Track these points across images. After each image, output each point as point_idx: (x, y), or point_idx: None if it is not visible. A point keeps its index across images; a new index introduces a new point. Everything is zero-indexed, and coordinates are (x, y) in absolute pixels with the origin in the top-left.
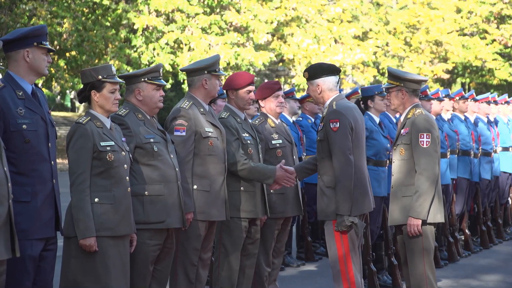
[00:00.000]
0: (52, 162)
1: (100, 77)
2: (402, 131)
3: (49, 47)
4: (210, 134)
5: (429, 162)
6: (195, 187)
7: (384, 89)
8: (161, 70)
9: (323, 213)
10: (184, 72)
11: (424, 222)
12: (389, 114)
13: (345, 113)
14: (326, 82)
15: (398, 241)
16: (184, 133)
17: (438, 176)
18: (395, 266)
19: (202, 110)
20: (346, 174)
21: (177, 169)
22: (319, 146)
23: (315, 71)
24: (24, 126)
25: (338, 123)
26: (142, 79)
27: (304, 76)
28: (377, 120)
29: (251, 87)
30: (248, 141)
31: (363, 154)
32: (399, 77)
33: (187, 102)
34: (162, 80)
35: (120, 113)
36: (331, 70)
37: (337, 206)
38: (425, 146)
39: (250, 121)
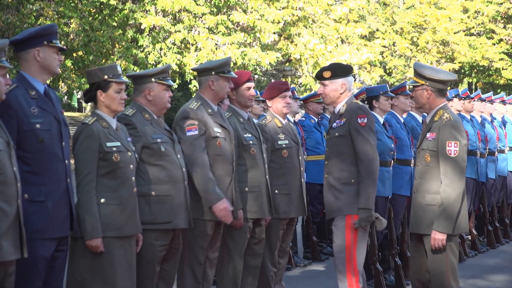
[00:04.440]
0: (66, 161)
1: (106, 77)
2: (428, 135)
3: (60, 45)
4: (218, 134)
5: (457, 172)
6: None
7: (410, 86)
8: (169, 71)
9: (337, 210)
10: (192, 72)
11: (450, 235)
12: (396, 113)
13: (369, 111)
14: (348, 82)
15: (412, 247)
16: (197, 132)
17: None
18: (399, 266)
19: (210, 111)
20: (375, 168)
21: (184, 169)
22: (335, 142)
23: (340, 70)
24: (37, 126)
25: (366, 118)
26: (153, 79)
27: (324, 75)
28: (381, 120)
29: (250, 84)
30: (250, 142)
31: None
32: (424, 75)
33: (195, 103)
34: (170, 80)
35: (127, 113)
36: (350, 71)
37: (363, 201)
38: (453, 155)
39: (256, 121)
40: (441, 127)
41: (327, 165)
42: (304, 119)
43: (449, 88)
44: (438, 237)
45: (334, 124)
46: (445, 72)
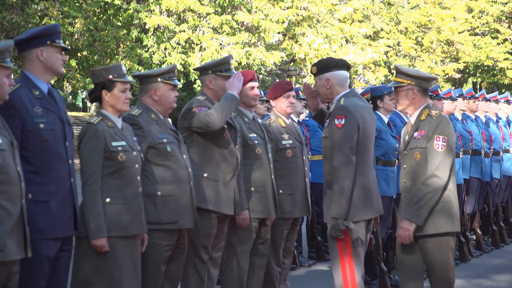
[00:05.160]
0: (70, 161)
1: (110, 76)
2: (416, 134)
3: (63, 45)
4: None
5: (443, 166)
6: (205, 175)
7: (392, 88)
8: (175, 71)
9: (326, 217)
10: (197, 72)
11: (443, 234)
12: (401, 113)
13: (353, 111)
14: (336, 77)
15: (400, 252)
16: (206, 108)
17: (453, 184)
18: None
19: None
20: (345, 175)
21: (189, 169)
22: (323, 144)
23: (325, 65)
24: (41, 126)
25: (343, 119)
26: (159, 79)
27: (311, 71)
28: (386, 120)
29: (253, 83)
30: (255, 141)
31: (368, 158)
32: (410, 74)
33: (201, 97)
34: (176, 80)
35: (133, 113)
36: (342, 64)
37: (332, 208)
38: (440, 149)
39: (260, 121)
40: (431, 122)
41: (323, 165)
42: (308, 118)
43: (453, 88)
44: (406, 226)
45: (325, 124)
46: (425, 72)
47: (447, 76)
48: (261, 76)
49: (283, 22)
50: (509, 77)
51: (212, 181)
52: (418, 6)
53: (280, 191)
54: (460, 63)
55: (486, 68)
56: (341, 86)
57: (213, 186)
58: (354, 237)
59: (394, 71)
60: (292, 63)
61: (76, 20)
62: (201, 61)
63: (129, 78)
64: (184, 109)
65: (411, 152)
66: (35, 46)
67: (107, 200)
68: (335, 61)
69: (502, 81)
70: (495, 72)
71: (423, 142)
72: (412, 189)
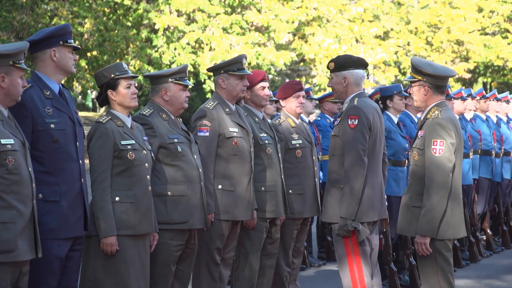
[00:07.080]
0: (80, 161)
1: (112, 75)
2: (419, 133)
3: (75, 45)
4: (234, 134)
5: (441, 173)
6: (219, 186)
7: (409, 83)
8: (187, 71)
9: (327, 215)
10: (207, 72)
11: (436, 240)
12: (411, 113)
13: (366, 112)
14: (354, 76)
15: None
16: (207, 133)
17: (456, 187)
18: (413, 266)
19: (227, 110)
20: (356, 175)
21: (200, 169)
22: (331, 142)
23: (343, 62)
24: (52, 126)
25: (357, 120)
26: (170, 80)
27: (329, 66)
28: (396, 120)
29: (265, 83)
30: (266, 141)
31: (377, 160)
32: (421, 71)
33: (212, 103)
34: (188, 80)
35: (144, 113)
36: (360, 63)
37: (341, 208)
38: (437, 154)
39: (269, 121)
40: (428, 124)
41: (328, 163)
42: (319, 119)
43: (464, 87)
44: (420, 241)
45: (336, 122)
46: (443, 67)
47: (457, 76)
48: (270, 76)
49: (293, 22)
50: None
51: (227, 191)
52: (428, 6)
53: (290, 191)
54: (470, 63)
55: (496, 68)
56: (357, 86)
57: (229, 196)
58: (361, 238)
59: (410, 65)
60: (302, 63)
61: (86, 20)
62: (210, 61)
63: (132, 74)
64: (195, 116)
65: (412, 151)
66: (48, 47)
67: (116, 198)
68: (353, 59)
69: None
70: (505, 72)
71: (421, 143)
72: (415, 192)
